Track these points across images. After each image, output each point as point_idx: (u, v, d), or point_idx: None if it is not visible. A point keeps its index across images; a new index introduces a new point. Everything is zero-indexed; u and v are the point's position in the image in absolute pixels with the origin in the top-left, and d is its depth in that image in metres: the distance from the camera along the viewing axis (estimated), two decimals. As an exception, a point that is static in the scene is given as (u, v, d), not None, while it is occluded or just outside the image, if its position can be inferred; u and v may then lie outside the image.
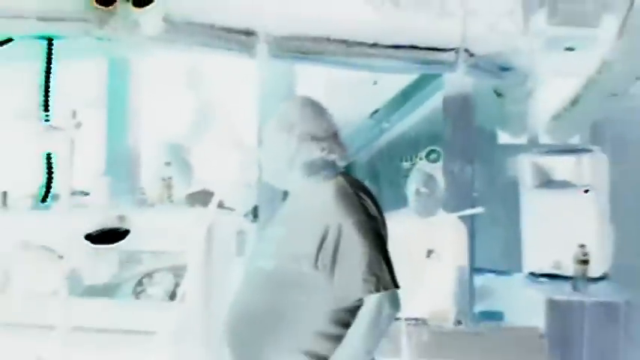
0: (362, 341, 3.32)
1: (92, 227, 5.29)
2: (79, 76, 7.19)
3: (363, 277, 3.30)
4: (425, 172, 5.88)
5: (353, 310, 3.35)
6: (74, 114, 4.11)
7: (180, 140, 8.10)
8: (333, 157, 3.57)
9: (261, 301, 3.51)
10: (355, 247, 3.33)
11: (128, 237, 5.49)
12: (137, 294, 5.72)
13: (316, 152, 3.55)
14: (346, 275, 3.33)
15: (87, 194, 5.93)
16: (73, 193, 4.38)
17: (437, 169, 6.02)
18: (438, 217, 5.88)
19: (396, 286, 3.37)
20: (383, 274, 3.33)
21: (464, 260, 5.84)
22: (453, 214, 6.01)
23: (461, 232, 5.89)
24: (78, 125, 4.09)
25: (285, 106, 3.71)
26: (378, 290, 3.30)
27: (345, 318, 3.37)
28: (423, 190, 5.80)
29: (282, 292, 3.46)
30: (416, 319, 5.38)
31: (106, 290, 5.79)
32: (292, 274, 3.43)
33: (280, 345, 3.43)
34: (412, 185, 5.85)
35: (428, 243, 5.76)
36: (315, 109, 3.63)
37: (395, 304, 3.35)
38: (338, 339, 3.35)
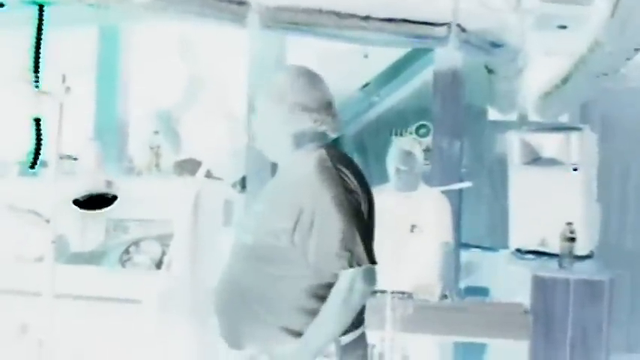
0: (334, 316, 3.31)
1: (80, 193, 5.27)
2: (70, 44, 7.14)
3: (336, 252, 3.27)
4: (402, 149, 5.84)
5: (330, 286, 3.33)
6: (64, 78, 4.09)
7: (169, 109, 8.09)
8: (324, 128, 3.54)
9: (242, 275, 3.51)
10: (330, 222, 3.29)
11: (115, 205, 5.48)
12: (123, 262, 5.71)
13: (307, 123, 3.51)
14: (321, 250, 3.31)
15: (75, 159, 5.91)
16: (62, 157, 4.35)
17: (415, 144, 5.98)
18: (420, 191, 5.88)
19: (372, 262, 3.33)
20: (357, 249, 3.28)
21: (448, 235, 5.84)
22: (435, 189, 6.01)
23: (444, 206, 5.89)
24: (67, 90, 4.07)
25: (279, 75, 3.67)
26: (351, 266, 3.27)
27: (323, 293, 3.35)
28: (402, 167, 5.78)
29: (261, 266, 3.46)
30: (401, 293, 5.40)
31: (93, 258, 5.78)
32: (270, 248, 3.42)
33: (258, 319, 3.44)
34: (391, 163, 5.83)
35: (411, 218, 5.76)
36: (309, 79, 3.57)
37: (369, 279, 3.31)
38: (315, 314, 3.34)
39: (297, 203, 3.34)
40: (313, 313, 3.35)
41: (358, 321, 3.48)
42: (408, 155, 5.80)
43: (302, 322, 3.37)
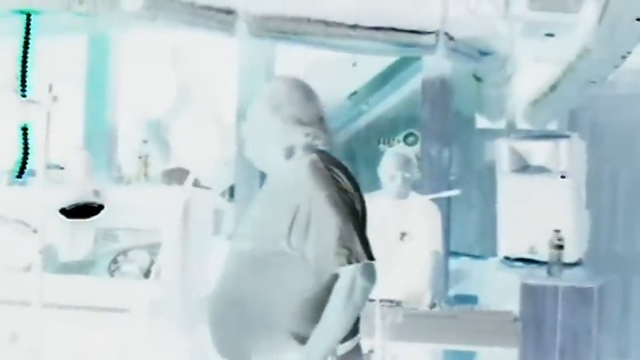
0: (338, 315, 3.29)
1: (68, 202, 5.26)
2: (59, 53, 7.15)
3: (334, 250, 3.26)
4: (403, 156, 5.86)
5: (330, 288, 3.31)
6: (50, 87, 4.08)
7: (158, 118, 8.09)
8: (317, 142, 3.54)
9: (242, 284, 3.49)
10: (326, 221, 3.29)
11: (104, 214, 5.47)
12: (112, 271, 5.70)
13: (299, 137, 3.50)
14: (319, 250, 3.30)
15: (62, 168, 5.90)
16: (49, 167, 4.34)
17: (411, 152, 6.01)
18: (410, 199, 5.88)
19: (371, 258, 3.33)
20: (355, 246, 3.28)
21: (437, 243, 5.85)
22: (426, 196, 6.02)
23: (434, 214, 5.90)
24: (54, 99, 4.06)
25: (275, 86, 3.67)
26: (350, 263, 3.26)
27: (324, 296, 3.33)
28: (406, 175, 5.78)
29: (260, 273, 3.44)
30: (390, 301, 5.40)
31: (81, 267, 5.77)
32: (269, 254, 3.40)
33: (261, 329, 3.41)
34: (389, 169, 5.81)
35: (402, 226, 5.77)
36: (305, 92, 3.55)
37: (369, 276, 3.30)
38: (317, 317, 3.33)
39: (292, 206, 3.33)
40: (316, 317, 3.33)
41: (354, 329, 3.48)
42: (409, 162, 5.82)
43: (305, 327, 3.35)
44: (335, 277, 3.31)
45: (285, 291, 3.40)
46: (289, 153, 3.53)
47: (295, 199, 3.35)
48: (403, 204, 5.82)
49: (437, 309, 5.72)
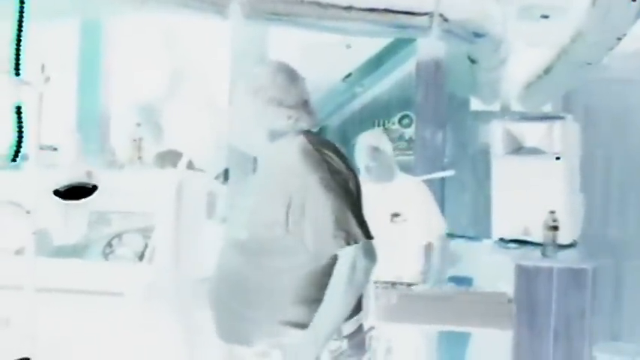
0: (340, 297, 3.32)
1: (61, 184, 5.25)
2: (52, 37, 7.11)
3: (332, 233, 3.28)
4: (368, 146, 5.83)
5: (330, 271, 3.34)
6: (43, 68, 4.06)
7: (151, 101, 8.06)
8: (300, 125, 3.55)
9: (241, 271, 3.50)
10: (321, 205, 3.31)
11: (98, 197, 5.46)
12: (106, 255, 5.69)
13: (282, 119, 3.52)
14: (316, 233, 3.32)
15: (55, 149, 5.88)
16: (42, 148, 4.33)
17: (380, 137, 5.97)
18: (398, 180, 5.89)
19: (368, 237, 3.35)
20: (352, 227, 3.31)
21: (440, 222, 5.88)
22: (420, 177, 6.02)
23: (424, 193, 5.90)
24: (47, 80, 4.05)
25: (257, 70, 3.68)
26: (348, 244, 3.29)
27: (324, 280, 3.36)
28: (371, 164, 5.78)
29: (258, 260, 3.46)
30: (384, 282, 5.41)
31: (75, 251, 5.75)
32: (266, 241, 3.42)
33: (262, 315, 3.44)
34: (359, 160, 5.81)
35: (391, 207, 5.77)
36: (287, 75, 3.58)
37: (369, 255, 3.33)
38: (317, 303, 3.35)
39: (286, 192, 3.35)
40: (316, 301, 3.35)
41: (357, 308, 3.51)
42: (375, 150, 5.80)
43: (306, 312, 3.38)
44: (334, 259, 3.33)
45: (284, 277, 3.42)
46: (272, 136, 3.55)
47: (288, 185, 3.37)
48: (389, 186, 5.82)
49: (431, 290, 5.73)
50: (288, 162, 3.42)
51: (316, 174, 3.35)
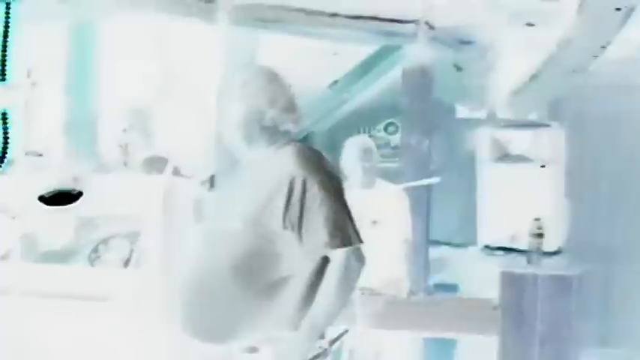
0: (333, 297, 3.39)
1: (47, 189, 5.24)
2: (41, 40, 7.10)
3: (329, 232, 3.37)
4: (364, 147, 5.87)
5: (323, 270, 3.41)
6: (29, 73, 4.06)
7: (140, 106, 8.04)
8: (284, 127, 3.60)
9: (231, 263, 3.49)
10: (320, 204, 3.38)
11: (84, 202, 5.45)
12: (92, 260, 5.68)
13: (265, 122, 3.57)
14: (313, 231, 3.39)
15: (40, 155, 5.87)
16: (27, 154, 4.33)
17: (370, 141, 6.02)
18: (378, 187, 5.91)
19: (360, 241, 3.44)
20: (348, 230, 3.41)
21: (407, 230, 5.88)
22: (406, 184, 6.05)
23: (402, 201, 5.92)
24: (33, 85, 4.05)
25: (241, 75, 3.72)
26: (344, 245, 3.38)
27: (317, 279, 3.41)
28: (367, 164, 5.81)
29: (252, 253, 3.47)
30: (370, 289, 5.41)
31: (61, 256, 5.74)
32: (261, 236, 3.45)
33: (253, 308, 3.45)
34: (348, 160, 5.83)
35: (371, 213, 5.79)
36: (270, 78, 3.64)
37: (360, 258, 3.43)
38: (309, 301, 3.40)
39: (284, 188, 3.41)
40: (309, 298, 3.40)
41: None
42: (369, 152, 5.85)
43: (298, 309, 3.42)
44: (324, 260, 3.39)
45: (277, 271, 3.43)
46: (262, 138, 3.60)
47: (287, 182, 3.42)
48: (370, 193, 5.84)
49: (416, 297, 5.74)
50: (287, 162, 3.48)
51: (316, 175, 3.43)
